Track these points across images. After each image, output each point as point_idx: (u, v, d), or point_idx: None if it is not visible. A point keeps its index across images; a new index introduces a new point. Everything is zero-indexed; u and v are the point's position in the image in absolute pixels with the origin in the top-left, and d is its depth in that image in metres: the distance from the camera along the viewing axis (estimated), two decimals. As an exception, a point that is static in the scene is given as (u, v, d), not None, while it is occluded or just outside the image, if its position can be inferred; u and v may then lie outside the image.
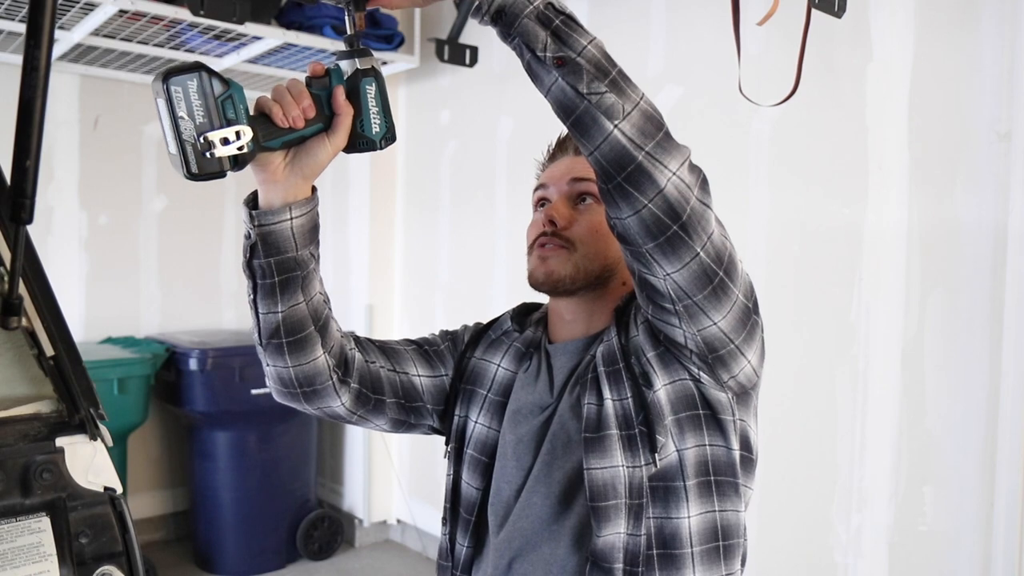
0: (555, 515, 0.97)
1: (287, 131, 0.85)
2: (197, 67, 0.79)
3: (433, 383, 1.11)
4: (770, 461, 2.19)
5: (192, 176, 0.81)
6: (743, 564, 0.99)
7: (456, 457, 1.08)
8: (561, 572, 0.95)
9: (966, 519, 1.86)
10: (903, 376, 1.97)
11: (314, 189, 0.93)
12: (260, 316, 0.95)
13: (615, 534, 0.91)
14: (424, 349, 1.13)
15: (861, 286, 2.04)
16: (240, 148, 0.81)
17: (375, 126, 0.87)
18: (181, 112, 0.79)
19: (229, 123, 0.80)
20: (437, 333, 1.17)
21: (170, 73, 0.79)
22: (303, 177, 0.89)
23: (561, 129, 1.04)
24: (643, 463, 0.92)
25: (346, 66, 0.87)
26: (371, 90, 0.86)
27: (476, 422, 1.07)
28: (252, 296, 0.94)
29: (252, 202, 0.91)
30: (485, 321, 1.18)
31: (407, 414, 1.09)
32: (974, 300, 1.84)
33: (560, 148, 1.10)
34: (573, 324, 1.05)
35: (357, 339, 1.08)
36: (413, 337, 1.16)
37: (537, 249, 1.03)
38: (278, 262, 0.91)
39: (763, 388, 1.02)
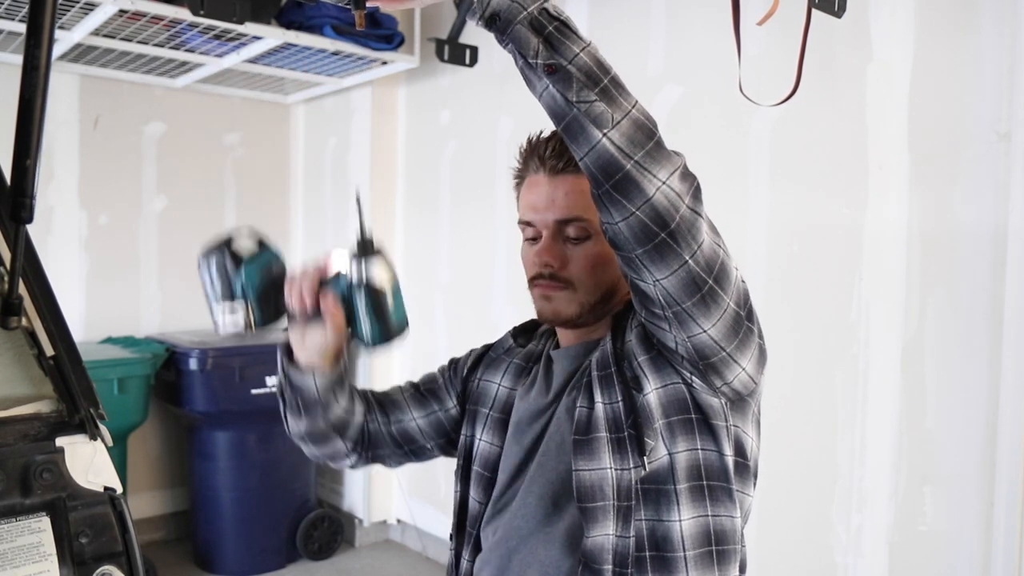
0: (549, 516, 0.98)
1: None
2: (222, 245, 0.95)
3: (428, 421, 1.19)
4: (770, 461, 2.18)
5: (222, 334, 0.99)
6: (742, 571, 0.99)
7: (464, 475, 1.12)
8: (556, 573, 0.96)
9: (966, 519, 1.86)
10: (903, 376, 1.97)
11: (339, 357, 1.03)
12: (287, 422, 1.10)
13: (604, 535, 0.92)
14: (420, 392, 1.21)
15: (861, 286, 2.04)
16: (241, 321, 0.96)
17: (366, 332, 0.94)
18: (206, 279, 0.96)
19: (234, 297, 0.96)
20: (445, 365, 1.24)
21: (207, 247, 0.96)
22: (316, 355, 1.00)
23: (533, 136, 1.05)
24: (631, 466, 0.92)
25: (347, 270, 0.95)
26: (361, 301, 0.94)
27: (480, 440, 1.11)
28: (281, 409, 1.09)
29: (288, 348, 1.03)
30: (488, 340, 1.23)
31: (407, 456, 1.21)
32: (974, 300, 1.84)
33: (535, 158, 1.03)
34: (575, 336, 1.08)
35: (370, 405, 1.18)
36: (417, 379, 1.25)
37: (537, 289, 1.04)
38: (302, 400, 1.04)
39: (764, 388, 1.02)
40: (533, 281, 1.05)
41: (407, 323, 0.96)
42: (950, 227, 1.88)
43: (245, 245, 0.96)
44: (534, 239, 1.05)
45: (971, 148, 1.84)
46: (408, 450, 1.19)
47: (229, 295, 0.95)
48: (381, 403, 1.19)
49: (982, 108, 1.82)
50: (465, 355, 1.22)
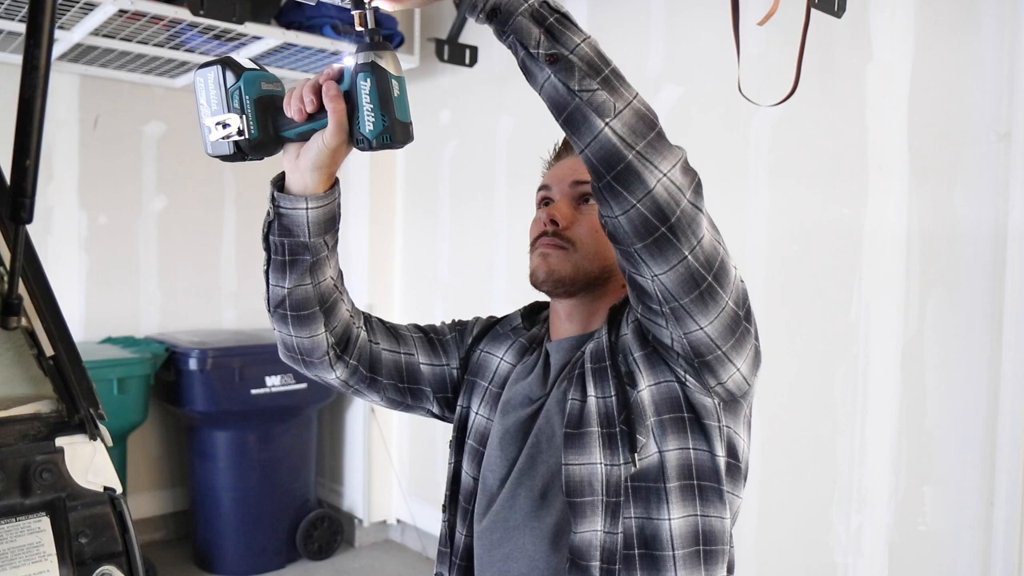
0: (537, 509, 0.98)
1: (296, 123, 0.90)
2: (221, 60, 0.89)
3: (433, 371, 1.14)
4: (770, 461, 2.19)
5: (211, 155, 0.92)
6: (730, 572, 0.99)
7: (458, 447, 1.10)
8: (545, 567, 0.96)
9: (966, 519, 1.86)
10: (903, 376, 1.97)
11: (336, 183, 0.96)
12: (269, 287, 1.00)
13: (592, 531, 0.92)
14: (429, 337, 1.16)
15: (861, 286, 2.04)
16: (235, 134, 0.89)
17: (368, 124, 0.85)
18: (202, 100, 0.90)
19: (230, 110, 0.88)
20: (448, 323, 1.20)
21: (201, 66, 0.90)
22: (311, 170, 0.92)
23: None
24: (622, 462, 0.92)
25: (351, 61, 0.87)
26: (365, 86, 0.85)
27: (477, 413, 1.09)
28: (265, 267, 0.99)
29: (279, 182, 0.96)
30: (495, 315, 1.21)
31: (403, 395, 1.13)
32: (974, 300, 1.84)
33: (565, 148, 1.11)
34: (570, 323, 1.06)
35: (368, 318, 1.12)
36: (422, 324, 1.20)
37: (538, 247, 1.04)
38: (290, 243, 0.95)
39: (763, 388, 1.02)
40: (536, 242, 1.05)
41: (411, 124, 0.87)
42: (950, 227, 1.88)
43: (245, 63, 0.90)
44: (545, 203, 1.08)
45: (971, 148, 1.84)
46: (408, 388, 1.13)
47: (224, 108, 0.88)
48: (390, 331, 1.13)
49: (982, 108, 1.82)
50: (472, 320, 1.19)
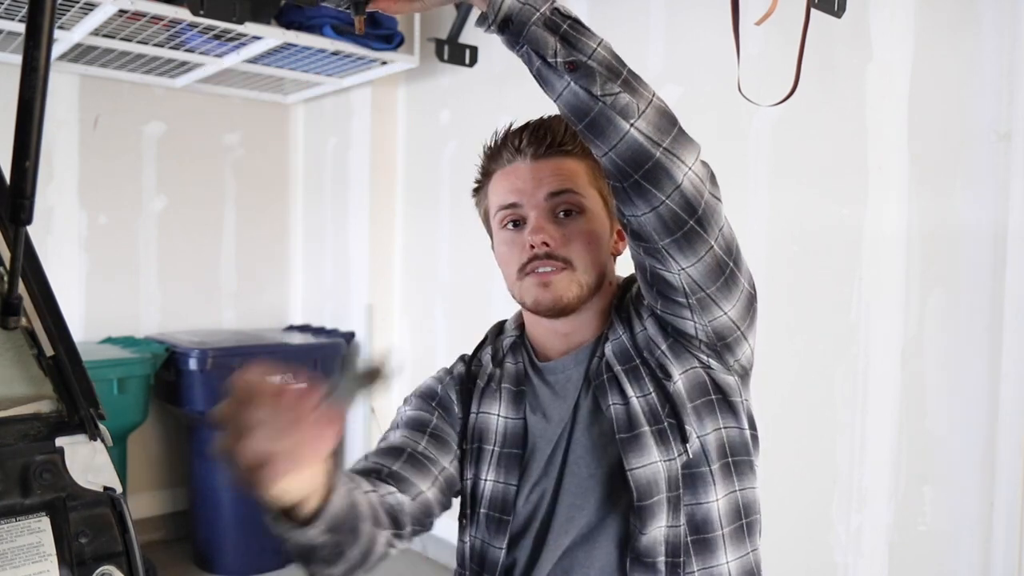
0: (598, 521, 0.95)
1: None
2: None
3: (454, 465, 1.04)
4: (770, 460, 2.18)
5: None
6: (760, 538, 1.01)
7: (472, 521, 1.03)
8: (600, 571, 0.95)
9: (966, 519, 1.86)
10: (903, 376, 1.97)
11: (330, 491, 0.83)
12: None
13: (658, 528, 0.92)
14: (432, 434, 1.03)
15: (861, 286, 2.04)
16: None
17: None
18: None
19: None
20: (413, 406, 1.07)
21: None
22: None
23: (500, 131, 1.00)
24: (676, 455, 0.93)
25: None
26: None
27: (486, 480, 1.01)
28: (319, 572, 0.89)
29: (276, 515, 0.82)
30: (448, 369, 1.12)
31: (450, 496, 1.03)
32: (974, 300, 1.84)
33: (512, 148, 1.00)
34: (571, 336, 1.02)
35: (393, 475, 0.95)
36: (415, 420, 1.05)
37: (533, 275, 0.96)
38: (321, 558, 0.86)
39: (763, 388, 1.05)
40: (525, 267, 0.96)
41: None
42: (950, 227, 1.88)
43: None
44: (516, 223, 0.98)
45: (971, 148, 1.84)
46: (453, 491, 1.03)
47: None
48: (414, 464, 0.98)
49: (982, 108, 1.82)
50: (439, 390, 1.07)
